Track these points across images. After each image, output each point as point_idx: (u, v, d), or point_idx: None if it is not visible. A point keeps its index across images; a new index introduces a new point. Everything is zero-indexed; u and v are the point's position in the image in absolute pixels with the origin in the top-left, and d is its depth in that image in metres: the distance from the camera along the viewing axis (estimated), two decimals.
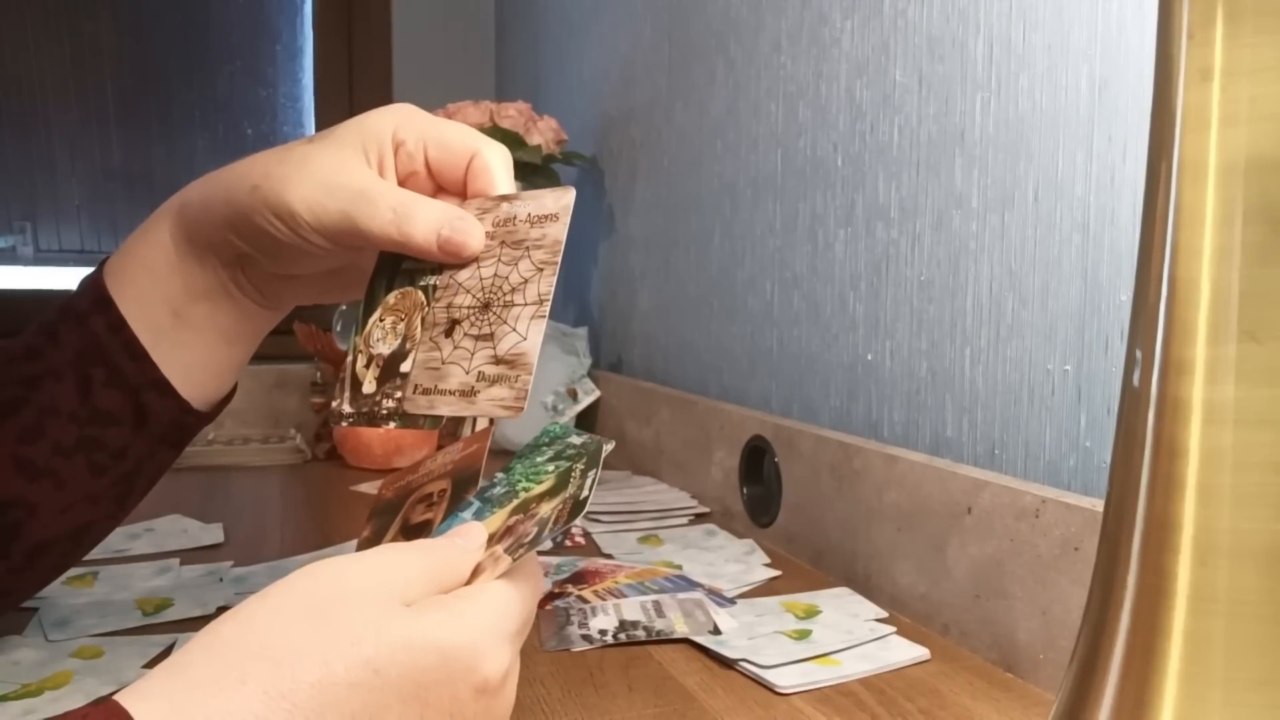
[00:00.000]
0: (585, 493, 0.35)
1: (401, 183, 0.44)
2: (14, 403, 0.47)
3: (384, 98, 1.63)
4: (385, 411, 0.40)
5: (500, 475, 0.40)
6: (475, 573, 0.35)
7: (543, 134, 1.18)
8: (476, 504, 0.38)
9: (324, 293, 0.51)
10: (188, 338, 0.48)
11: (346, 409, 0.42)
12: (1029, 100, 0.57)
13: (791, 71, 0.82)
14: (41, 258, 1.52)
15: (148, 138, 1.56)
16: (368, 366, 0.42)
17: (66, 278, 1.53)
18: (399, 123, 0.44)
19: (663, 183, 1.08)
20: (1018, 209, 0.58)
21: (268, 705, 0.28)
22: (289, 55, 1.65)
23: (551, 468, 0.38)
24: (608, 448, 0.38)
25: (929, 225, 0.65)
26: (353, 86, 1.64)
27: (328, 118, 1.63)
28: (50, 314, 0.48)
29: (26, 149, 1.50)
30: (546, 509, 0.36)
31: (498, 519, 0.37)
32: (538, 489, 0.37)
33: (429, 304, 0.42)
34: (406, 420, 0.40)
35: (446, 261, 0.42)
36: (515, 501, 0.37)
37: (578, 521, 0.40)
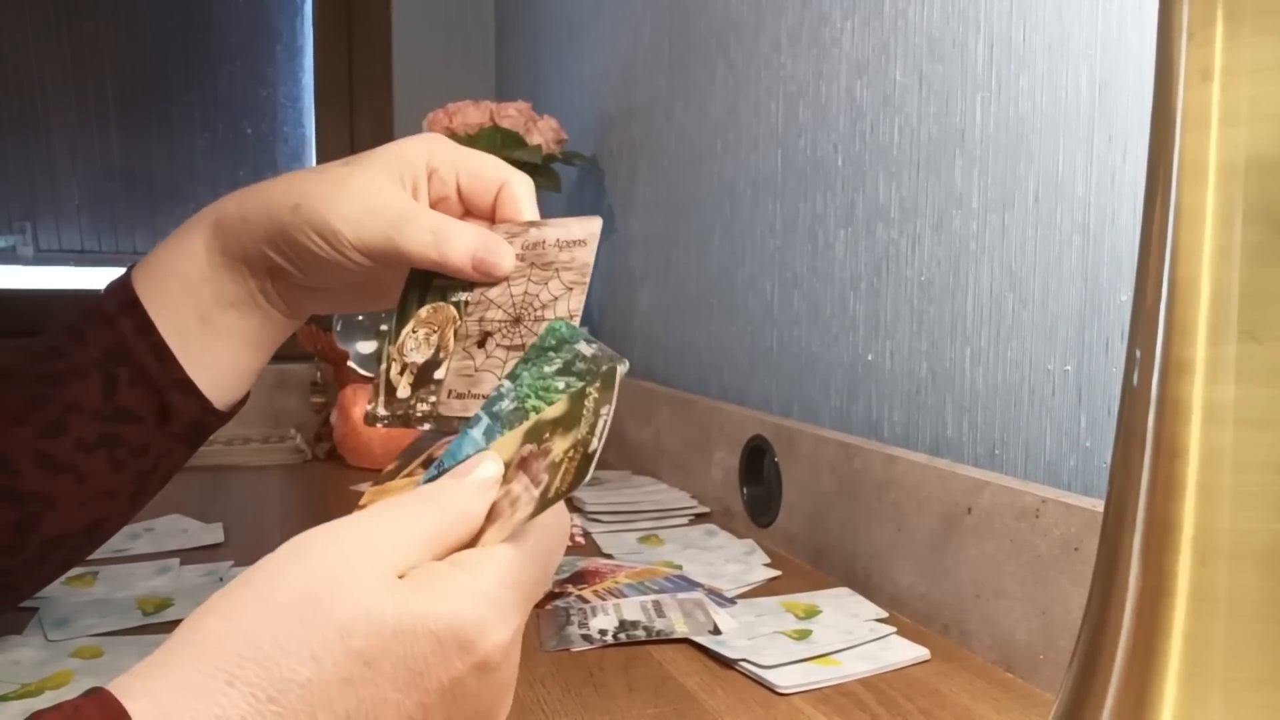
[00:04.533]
0: (596, 444, 0.34)
1: (433, 206, 0.47)
2: (36, 399, 0.48)
3: (384, 98, 1.63)
4: (420, 414, 0.42)
5: (507, 384, 0.39)
6: (492, 514, 0.34)
7: (543, 134, 1.18)
8: (485, 420, 0.38)
9: (345, 304, 0.54)
10: (214, 343, 0.50)
11: (381, 411, 0.43)
12: (1029, 101, 0.57)
13: (791, 71, 0.82)
14: (41, 258, 1.52)
15: (148, 138, 1.55)
16: (401, 373, 0.44)
17: (66, 278, 1.53)
18: (433, 151, 0.47)
19: (663, 183, 1.08)
20: (1018, 209, 0.58)
21: (255, 709, 0.27)
22: (289, 55, 1.65)
23: (562, 384, 0.37)
24: (622, 369, 0.37)
25: (929, 225, 0.65)
26: (353, 86, 1.64)
27: (328, 118, 1.63)
28: (75, 316, 0.50)
29: (26, 149, 1.50)
30: (558, 450, 0.35)
31: (510, 443, 0.36)
32: (550, 413, 0.36)
33: (461, 318, 0.44)
34: (441, 422, 0.41)
35: (479, 280, 0.44)
36: (527, 424, 0.36)
37: (583, 491, 0.40)
